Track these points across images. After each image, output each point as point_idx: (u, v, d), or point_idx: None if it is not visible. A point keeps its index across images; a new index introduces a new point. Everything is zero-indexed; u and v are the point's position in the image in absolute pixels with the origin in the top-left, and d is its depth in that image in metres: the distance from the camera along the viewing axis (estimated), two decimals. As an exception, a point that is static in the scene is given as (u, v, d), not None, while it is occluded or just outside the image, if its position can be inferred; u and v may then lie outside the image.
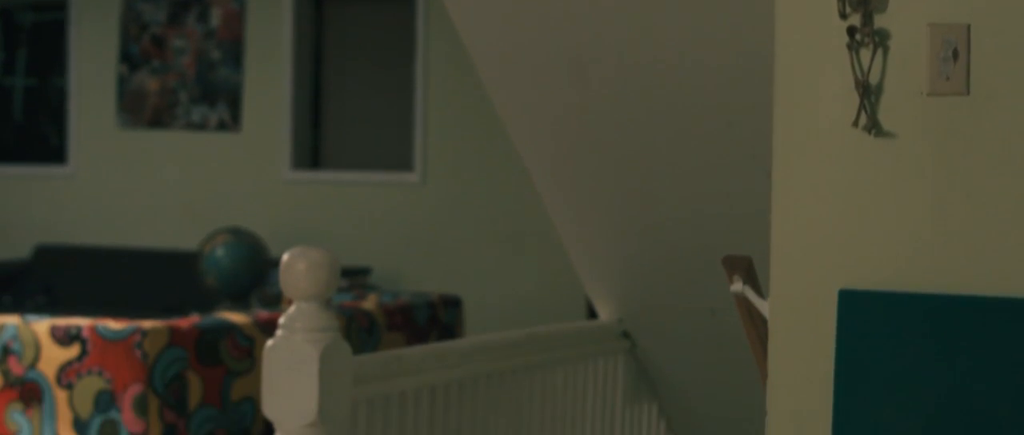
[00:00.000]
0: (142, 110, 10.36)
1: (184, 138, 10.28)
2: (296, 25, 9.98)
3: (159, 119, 10.32)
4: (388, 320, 7.22)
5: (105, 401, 5.87)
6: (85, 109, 10.51)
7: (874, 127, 2.26)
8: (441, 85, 9.63)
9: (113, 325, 5.91)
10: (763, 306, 2.55)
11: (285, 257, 2.95)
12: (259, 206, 9.96)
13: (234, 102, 10.15)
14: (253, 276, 8.49)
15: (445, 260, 9.52)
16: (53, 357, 5.95)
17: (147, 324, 5.90)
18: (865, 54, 2.26)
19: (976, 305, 2.18)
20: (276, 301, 7.97)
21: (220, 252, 8.55)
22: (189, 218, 10.09)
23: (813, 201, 2.32)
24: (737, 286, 2.60)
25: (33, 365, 5.98)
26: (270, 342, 2.98)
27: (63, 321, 6.01)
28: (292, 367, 2.95)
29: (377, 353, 3.50)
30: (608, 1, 3.58)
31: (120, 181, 10.44)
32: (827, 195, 2.31)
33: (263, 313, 6.58)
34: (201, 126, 10.22)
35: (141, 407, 5.83)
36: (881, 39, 2.26)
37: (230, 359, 6.16)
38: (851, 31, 2.25)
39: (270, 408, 3.00)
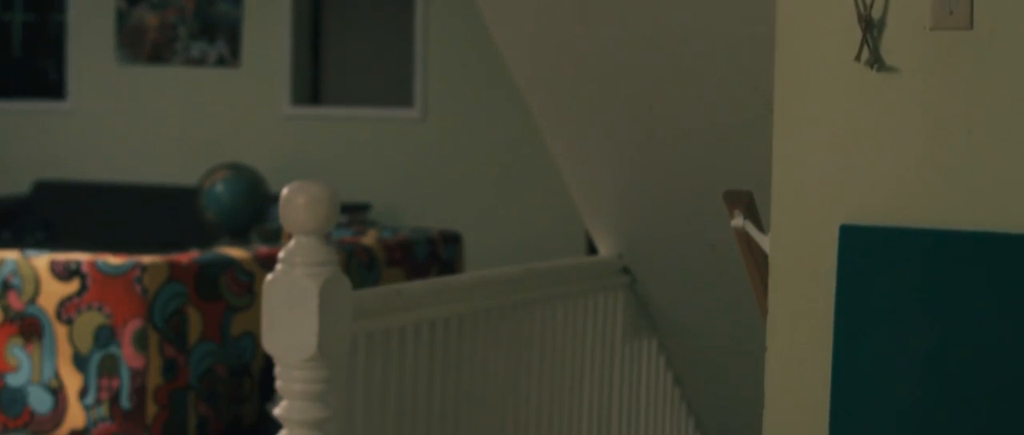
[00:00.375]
0: (141, 45, 10.33)
1: (183, 74, 10.26)
2: (295, -40, 9.95)
3: (158, 54, 10.29)
4: (388, 255, 7.22)
5: (105, 336, 5.89)
6: (84, 44, 10.48)
7: (876, 62, 2.25)
8: (441, 21, 9.59)
9: (113, 260, 5.92)
10: (764, 241, 2.55)
11: (285, 191, 2.94)
12: (259, 142, 9.95)
13: (233, 37, 10.11)
14: (252, 211, 8.50)
15: (445, 196, 9.52)
16: (53, 292, 5.96)
17: (147, 259, 5.90)
18: (868, -13, 2.25)
19: (977, 240, 2.18)
20: (276, 236, 7.98)
21: (220, 188, 8.55)
22: (188, 154, 10.09)
23: (814, 136, 2.31)
24: (738, 221, 2.59)
25: (33, 300, 5.99)
26: (269, 276, 2.98)
27: (63, 256, 6.02)
28: (292, 301, 2.95)
29: (377, 288, 3.50)
30: (609, -65, 3.56)
31: (119, 117, 10.42)
32: (829, 130, 2.30)
33: (263, 248, 6.58)
34: (200, 62, 10.20)
35: (141, 342, 5.84)
36: (884, -28, 2.25)
37: (230, 294, 6.17)
38: (854, -36, 2.24)
39: (270, 343, 3.00)
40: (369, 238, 7.29)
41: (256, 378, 6.31)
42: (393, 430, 3.39)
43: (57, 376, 5.96)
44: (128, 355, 5.85)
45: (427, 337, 3.51)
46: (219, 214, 8.51)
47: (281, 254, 2.97)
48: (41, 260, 6.01)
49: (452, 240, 7.88)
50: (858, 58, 2.25)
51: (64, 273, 5.94)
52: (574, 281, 4.24)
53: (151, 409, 5.86)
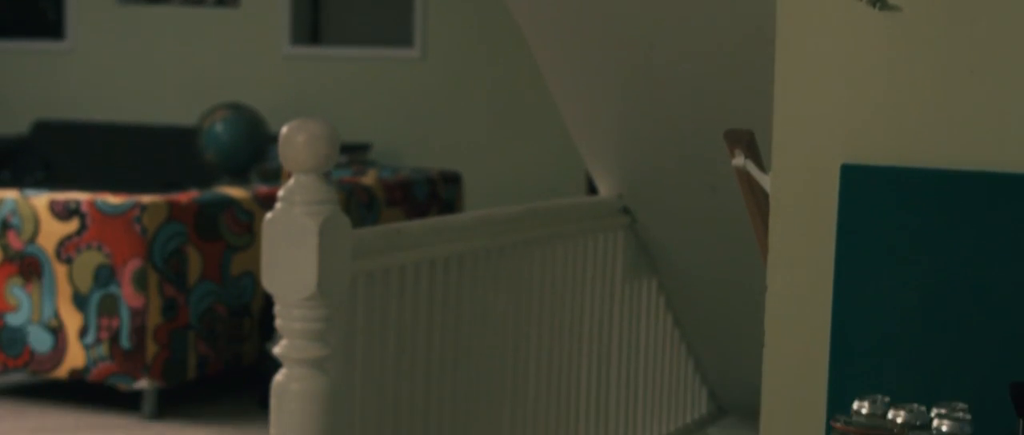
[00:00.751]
0: (140, -16, 10.29)
1: (183, 13, 10.22)
2: (295, -102, 9.89)
3: (157, -7, 10.25)
4: (387, 195, 7.22)
5: (105, 275, 5.89)
6: (82, -17, 10.45)
7: (879, 1, 2.24)
8: (441, -40, 9.56)
9: (112, 200, 5.91)
10: (765, 180, 2.54)
11: (284, 130, 2.93)
12: (258, 82, 9.93)
13: (232, -24, 10.07)
14: (252, 151, 8.48)
15: (445, 136, 9.50)
16: (52, 231, 5.95)
17: (146, 199, 5.90)
18: (871, -75, 2.23)
19: (978, 180, 2.17)
20: (275, 176, 7.97)
21: (219, 127, 8.53)
22: (188, 93, 10.06)
23: (816, 75, 2.30)
24: (738, 160, 2.59)
25: (32, 239, 5.98)
26: (269, 215, 2.98)
27: (62, 196, 6.01)
28: (291, 240, 2.95)
29: (377, 227, 3.49)
30: None
31: (119, 56, 10.39)
32: (831, 69, 2.29)
33: (262, 188, 6.57)
34: (200, 1, 10.16)
35: (141, 281, 5.84)
36: (887, -91, 2.23)
37: (229, 234, 6.16)
38: (857, -99, 2.22)
39: (270, 282, 3.00)
40: (369, 178, 7.29)
41: (256, 317, 6.32)
42: (393, 368, 3.40)
43: (57, 316, 5.97)
44: (128, 295, 5.85)
45: (427, 276, 3.51)
46: (219, 154, 8.50)
47: (281, 193, 2.96)
48: (41, 199, 6.00)
49: (452, 180, 7.87)
50: (860, -4, 2.24)
51: (63, 212, 5.94)
52: (574, 221, 4.24)
53: (151, 349, 5.87)
